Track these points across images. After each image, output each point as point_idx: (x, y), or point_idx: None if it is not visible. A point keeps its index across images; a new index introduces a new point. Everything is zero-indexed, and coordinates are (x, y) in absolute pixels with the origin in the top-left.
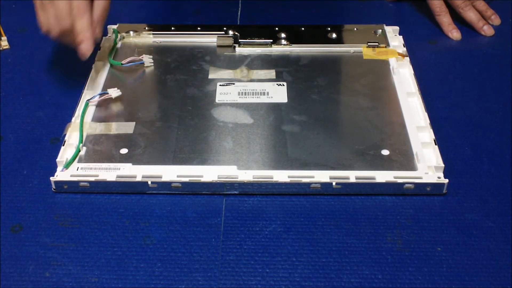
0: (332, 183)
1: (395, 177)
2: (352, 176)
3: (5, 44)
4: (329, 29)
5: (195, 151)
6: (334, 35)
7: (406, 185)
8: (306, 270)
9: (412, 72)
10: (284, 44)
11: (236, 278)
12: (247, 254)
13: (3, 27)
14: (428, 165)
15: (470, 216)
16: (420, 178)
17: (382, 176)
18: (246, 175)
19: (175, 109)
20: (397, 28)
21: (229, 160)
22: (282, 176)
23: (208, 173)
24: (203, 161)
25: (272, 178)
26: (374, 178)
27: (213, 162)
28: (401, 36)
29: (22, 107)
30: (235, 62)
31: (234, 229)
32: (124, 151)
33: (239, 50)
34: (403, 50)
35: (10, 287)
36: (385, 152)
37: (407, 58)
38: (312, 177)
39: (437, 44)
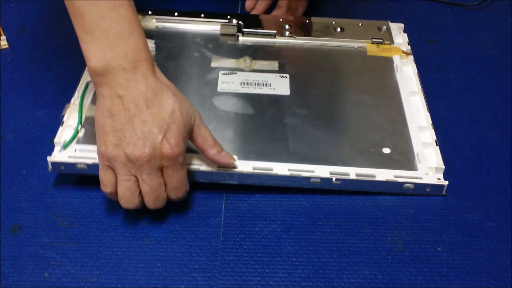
0: (332, 178)
1: (395, 176)
2: (352, 172)
3: (4, 43)
4: (334, 22)
5: None
6: (338, 29)
7: (406, 184)
8: (306, 270)
9: (416, 70)
10: (288, 36)
11: (236, 278)
12: (247, 254)
13: (2, 27)
14: (428, 165)
15: (470, 216)
16: (420, 178)
17: (382, 175)
18: (246, 166)
19: None
20: (402, 25)
21: (229, 150)
22: (282, 168)
23: (207, 162)
24: None
25: (272, 170)
26: (374, 176)
27: None
28: (405, 34)
29: (22, 107)
30: (238, 51)
31: (234, 229)
32: None
33: (243, 40)
34: (407, 48)
35: (9, 287)
36: (386, 150)
37: (411, 57)
38: (312, 171)
39: (437, 44)
